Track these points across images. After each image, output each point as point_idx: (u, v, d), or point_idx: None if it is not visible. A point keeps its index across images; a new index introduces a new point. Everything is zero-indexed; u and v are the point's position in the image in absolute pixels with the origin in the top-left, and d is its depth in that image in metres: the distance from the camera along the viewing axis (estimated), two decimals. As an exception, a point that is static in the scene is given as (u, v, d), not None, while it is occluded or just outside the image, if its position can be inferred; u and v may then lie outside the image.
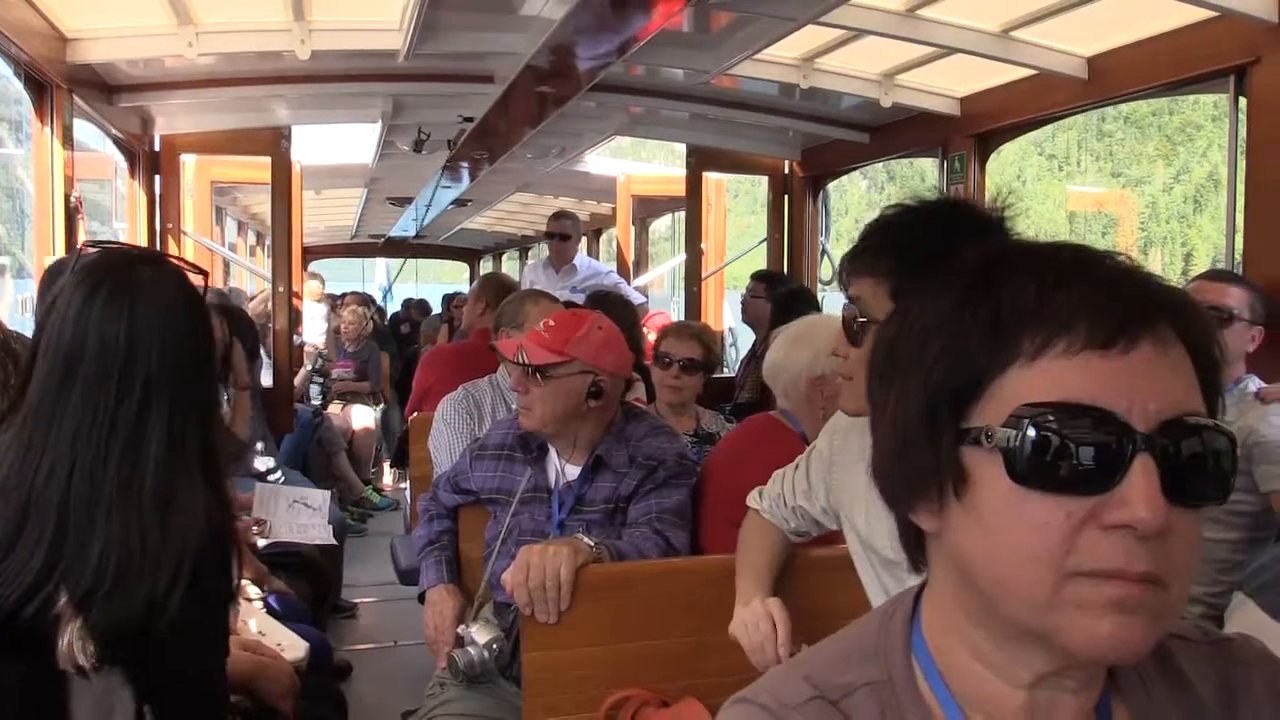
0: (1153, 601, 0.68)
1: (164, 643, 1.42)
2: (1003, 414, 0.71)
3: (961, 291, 0.76)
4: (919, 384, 0.76)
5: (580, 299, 5.16)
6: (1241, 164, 3.26)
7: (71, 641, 1.39)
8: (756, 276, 5.78)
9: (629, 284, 6.97)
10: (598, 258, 9.38)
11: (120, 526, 1.42)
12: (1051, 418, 0.69)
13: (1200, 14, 3.25)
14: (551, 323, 2.47)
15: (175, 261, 1.65)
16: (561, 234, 6.28)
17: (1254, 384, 2.79)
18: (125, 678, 1.43)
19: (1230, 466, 0.72)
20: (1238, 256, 3.25)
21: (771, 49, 4.01)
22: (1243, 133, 3.25)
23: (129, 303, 1.49)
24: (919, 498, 0.78)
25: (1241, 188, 3.25)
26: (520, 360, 2.39)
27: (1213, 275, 3.05)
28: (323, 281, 9.29)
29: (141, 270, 1.55)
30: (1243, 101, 3.24)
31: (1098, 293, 0.71)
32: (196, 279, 1.61)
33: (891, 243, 1.47)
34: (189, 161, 5.82)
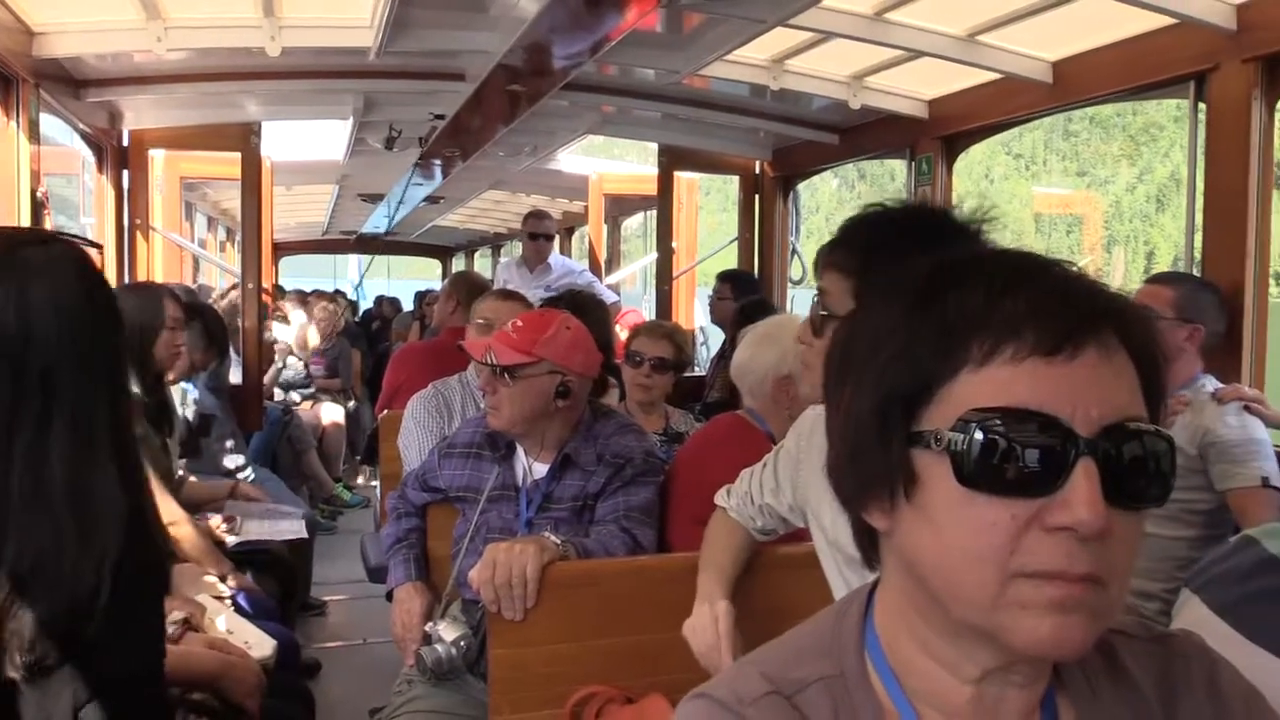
0: (1093, 601, 0.71)
1: (97, 644, 1.36)
2: (951, 418, 0.73)
3: (913, 297, 0.78)
4: (871, 387, 0.78)
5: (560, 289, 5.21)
6: (1201, 167, 3.32)
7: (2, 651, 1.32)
8: (722, 277, 5.80)
9: (601, 282, 6.99)
10: (570, 256, 9.39)
11: (34, 531, 1.33)
12: (998, 422, 0.71)
13: (1161, 21, 3.30)
14: (519, 323, 2.48)
15: (68, 239, 1.50)
16: (546, 234, 6.30)
17: (1210, 384, 2.84)
18: (61, 684, 1.36)
19: (1170, 469, 0.74)
20: (1197, 257, 3.31)
21: (742, 50, 4.03)
22: (1202, 137, 3.31)
23: (17, 289, 1.36)
24: (871, 497, 0.80)
25: (1201, 191, 3.32)
26: (488, 361, 2.40)
27: (1153, 278, 3.11)
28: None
29: (28, 252, 1.42)
30: (1202, 107, 3.30)
31: (1045, 300, 0.73)
32: (94, 254, 1.51)
33: (863, 242, 1.50)
34: (158, 156, 5.77)
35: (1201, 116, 3.31)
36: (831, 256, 1.53)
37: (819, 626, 0.88)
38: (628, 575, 2.09)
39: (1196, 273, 3.25)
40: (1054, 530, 0.70)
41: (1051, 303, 0.74)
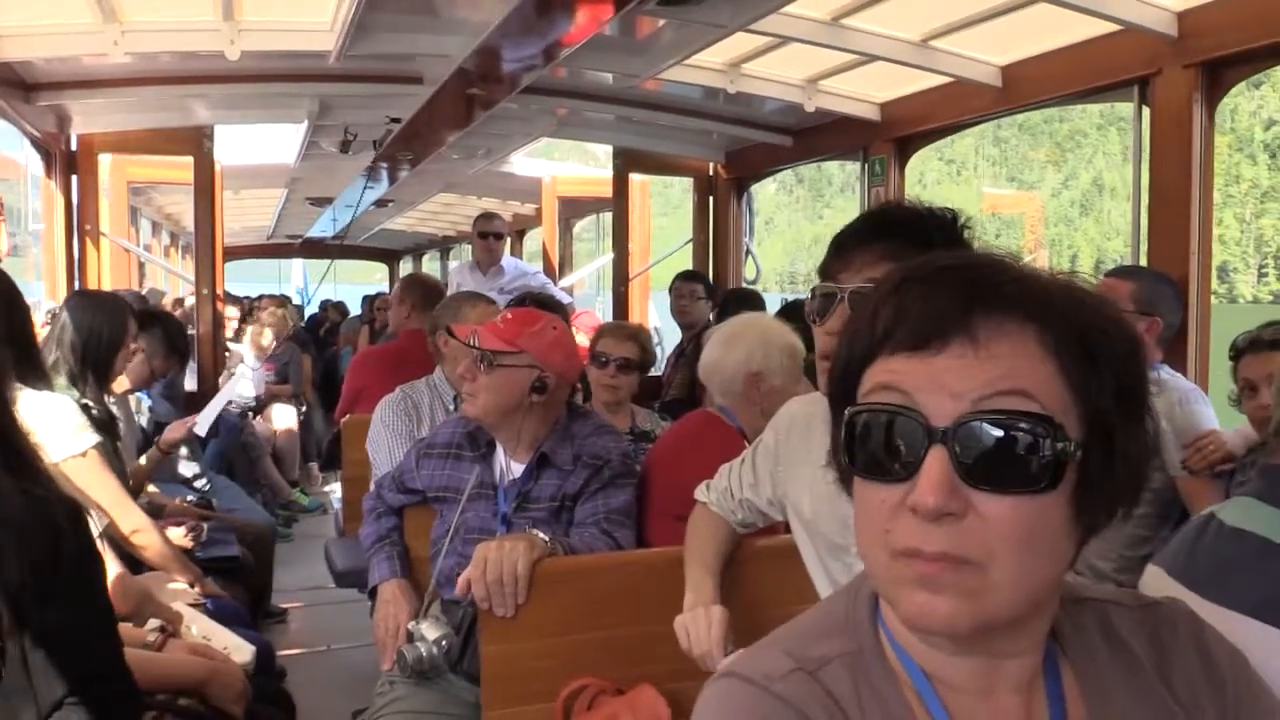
0: (962, 580, 0.76)
1: (43, 637, 1.35)
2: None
3: (873, 294, 0.87)
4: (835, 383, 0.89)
5: (505, 300, 5.20)
6: (1146, 169, 3.45)
7: None
8: (687, 277, 5.81)
9: (555, 284, 7.01)
10: (521, 258, 9.39)
11: None
12: (866, 415, 0.81)
13: (1107, 27, 3.43)
14: (509, 316, 2.56)
15: None
16: (495, 234, 6.26)
17: (1166, 374, 2.94)
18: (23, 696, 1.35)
19: (1047, 448, 0.76)
20: (1143, 258, 3.43)
21: (700, 54, 4.10)
22: (1147, 139, 3.44)
23: None
24: (846, 485, 0.89)
25: (1146, 191, 3.44)
26: (472, 343, 2.44)
27: (1111, 272, 3.22)
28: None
29: None
30: (1146, 110, 3.43)
31: (917, 304, 0.81)
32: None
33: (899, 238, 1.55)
34: (104, 161, 5.68)
35: (1146, 119, 3.44)
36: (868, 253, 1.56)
37: (832, 608, 0.93)
38: (613, 570, 2.13)
39: (1143, 270, 3.37)
40: (912, 512, 0.77)
41: (920, 305, 0.80)
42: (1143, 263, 3.41)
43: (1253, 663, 0.90)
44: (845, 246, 1.57)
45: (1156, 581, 1.21)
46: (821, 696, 0.83)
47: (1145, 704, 0.86)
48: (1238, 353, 2.76)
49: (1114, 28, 3.40)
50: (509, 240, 10.79)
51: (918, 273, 0.84)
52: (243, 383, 6.51)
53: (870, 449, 0.80)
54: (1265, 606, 1.05)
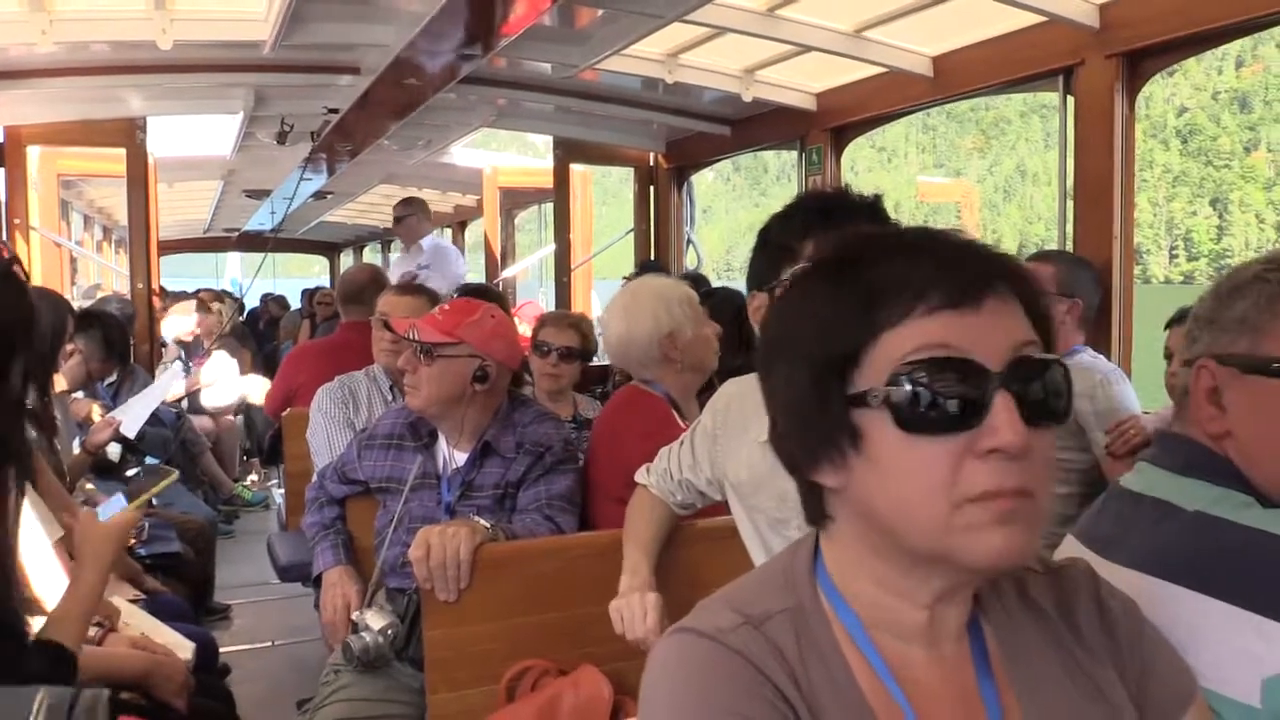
0: (1028, 511, 0.82)
1: None
2: (883, 375, 0.84)
3: (833, 273, 0.90)
4: (805, 362, 0.88)
5: (423, 275, 5.45)
6: (1071, 156, 3.55)
7: None
8: (646, 267, 5.82)
9: (501, 273, 7.08)
10: (463, 250, 9.36)
11: None
12: (923, 372, 0.82)
13: (1032, 18, 3.53)
14: (447, 307, 2.56)
15: None
16: (397, 217, 6.59)
17: (1089, 355, 3.04)
18: None
19: (1066, 388, 0.87)
20: (1069, 243, 3.53)
21: (637, 45, 4.12)
22: (1071, 127, 3.54)
23: None
24: (821, 459, 0.90)
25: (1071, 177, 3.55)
26: (411, 336, 2.45)
27: (1033, 256, 3.32)
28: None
29: None
30: (1070, 99, 3.53)
31: (946, 262, 0.86)
32: None
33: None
34: (33, 153, 5.55)
35: (1071, 108, 3.54)
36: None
37: (772, 568, 0.99)
38: (554, 554, 2.16)
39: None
40: (986, 455, 0.81)
41: (952, 264, 0.86)
42: (1068, 248, 3.51)
43: (1145, 612, 0.99)
44: (812, 224, 1.64)
45: (1068, 546, 1.28)
46: (770, 648, 0.88)
47: (1056, 652, 0.94)
48: (1169, 324, 2.88)
49: (1040, 19, 3.49)
50: (449, 230, 10.81)
51: (918, 241, 0.89)
52: (176, 382, 6.41)
53: (929, 403, 0.82)
54: (1151, 560, 1.12)
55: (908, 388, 0.83)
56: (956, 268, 0.85)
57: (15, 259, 1.47)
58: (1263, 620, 0.99)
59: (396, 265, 6.93)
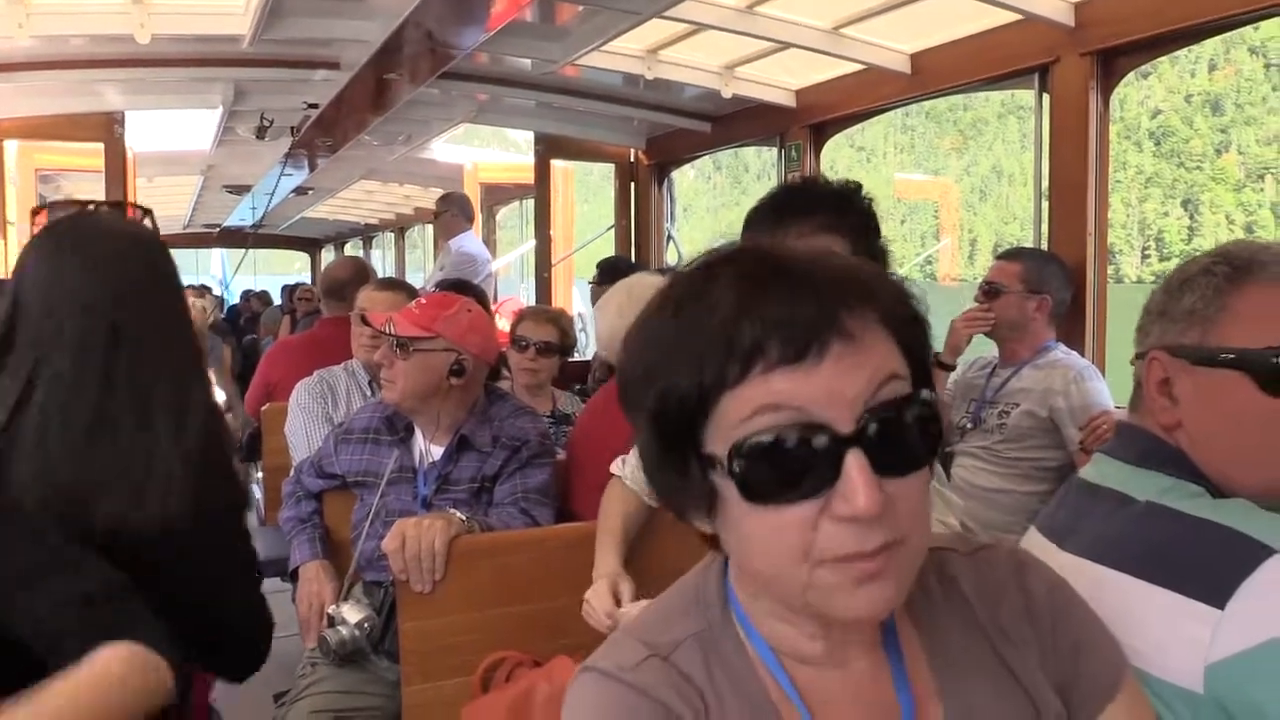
0: (895, 562, 0.77)
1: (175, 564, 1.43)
2: (727, 441, 0.77)
3: (670, 317, 0.83)
4: (650, 422, 0.83)
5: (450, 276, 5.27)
6: (1046, 155, 3.58)
7: None
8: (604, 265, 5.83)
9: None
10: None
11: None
12: (766, 438, 0.76)
13: (1008, 16, 3.55)
14: (423, 300, 2.57)
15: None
16: (434, 212, 6.42)
17: (1060, 351, 3.07)
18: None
19: (933, 421, 0.79)
20: (1044, 242, 3.56)
21: (617, 40, 4.13)
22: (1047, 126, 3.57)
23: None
24: (689, 510, 0.86)
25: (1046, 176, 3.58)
26: (388, 330, 2.45)
27: (1001, 255, 3.33)
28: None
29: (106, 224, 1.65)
30: (1046, 98, 3.56)
31: (782, 312, 0.76)
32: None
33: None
34: (10, 148, 5.51)
35: (1046, 106, 3.57)
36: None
37: (684, 589, 0.95)
38: (529, 546, 2.17)
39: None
40: (841, 520, 0.76)
41: (787, 313, 0.76)
42: (1044, 246, 3.54)
43: (1093, 599, 0.97)
44: (782, 214, 1.61)
45: (1030, 538, 1.30)
46: (677, 680, 0.86)
47: (977, 643, 0.92)
48: None
49: (1016, 17, 3.52)
50: (458, 219, 10.74)
51: (758, 274, 0.80)
52: None
53: (773, 474, 0.76)
54: (1101, 549, 1.14)
55: (750, 459, 0.76)
56: (799, 310, 0.76)
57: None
58: (1207, 608, 1.00)
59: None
